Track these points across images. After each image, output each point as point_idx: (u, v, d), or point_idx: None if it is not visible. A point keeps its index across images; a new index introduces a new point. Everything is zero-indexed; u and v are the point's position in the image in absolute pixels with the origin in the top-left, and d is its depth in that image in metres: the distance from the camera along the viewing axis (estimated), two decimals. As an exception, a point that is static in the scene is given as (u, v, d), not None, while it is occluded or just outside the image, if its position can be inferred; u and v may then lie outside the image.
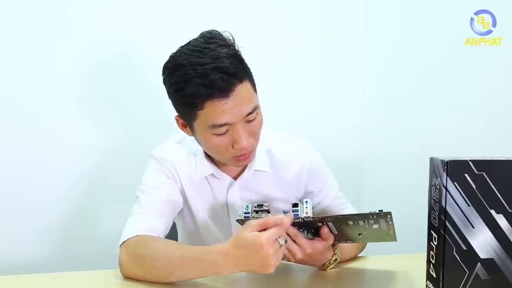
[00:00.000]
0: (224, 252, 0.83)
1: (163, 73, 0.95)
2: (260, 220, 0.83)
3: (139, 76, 1.54)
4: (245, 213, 0.90)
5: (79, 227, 1.50)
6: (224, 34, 0.94)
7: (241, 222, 0.91)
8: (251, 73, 0.97)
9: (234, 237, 0.83)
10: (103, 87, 1.52)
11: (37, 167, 1.48)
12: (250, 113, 0.93)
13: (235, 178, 1.09)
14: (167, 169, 1.07)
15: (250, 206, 0.91)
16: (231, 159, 0.98)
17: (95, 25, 1.49)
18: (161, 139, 1.15)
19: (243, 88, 0.91)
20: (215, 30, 0.94)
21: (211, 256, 0.84)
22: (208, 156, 1.07)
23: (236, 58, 0.91)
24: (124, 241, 0.96)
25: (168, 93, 0.96)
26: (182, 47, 0.94)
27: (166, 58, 0.94)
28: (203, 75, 0.87)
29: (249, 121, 0.94)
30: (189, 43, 0.94)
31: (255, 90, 0.97)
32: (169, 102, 1.50)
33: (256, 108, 0.95)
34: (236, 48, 0.94)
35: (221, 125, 0.91)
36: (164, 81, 0.95)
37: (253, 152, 1.02)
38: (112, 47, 1.51)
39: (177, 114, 0.99)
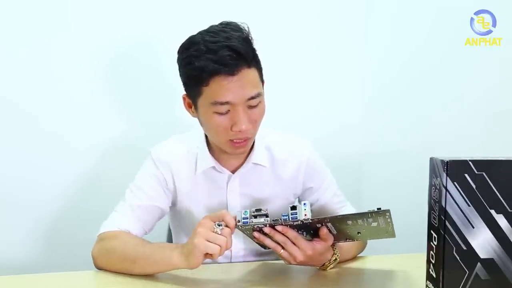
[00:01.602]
0: (176, 245, 0.92)
1: (178, 51, 0.99)
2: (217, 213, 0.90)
3: (139, 76, 1.54)
4: (243, 218, 0.90)
5: (79, 227, 1.49)
6: (241, 25, 0.98)
7: (240, 228, 0.91)
8: (260, 63, 1.00)
9: None
10: (104, 87, 1.52)
11: (37, 167, 1.48)
12: (253, 98, 0.96)
13: (234, 172, 1.10)
14: (160, 173, 1.09)
15: (248, 211, 0.91)
16: (228, 143, 1.00)
17: (94, 26, 1.49)
18: (161, 139, 1.15)
19: (250, 72, 0.95)
20: (234, 21, 0.99)
21: (167, 250, 0.92)
22: (210, 149, 1.08)
23: (248, 43, 0.96)
24: (100, 234, 1.04)
25: (179, 69, 1.00)
26: (201, 30, 0.98)
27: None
28: (213, 51, 0.92)
29: (250, 107, 0.97)
30: (208, 27, 0.98)
31: (262, 80, 1.01)
32: (169, 102, 1.52)
33: (259, 95, 0.98)
34: (250, 37, 0.97)
35: (222, 103, 0.94)
36: (178, 59, 1.00)
37: (250, 141, 1.02)
38: (112, 47, 1.51)
39: (185, 92, 1.03)
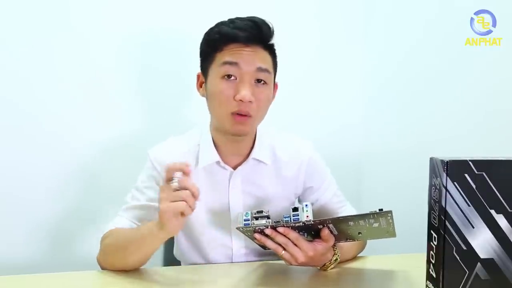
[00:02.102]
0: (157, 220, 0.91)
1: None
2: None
3: (140, 76, 1.54)
4: (245, 220, 0.90)
5: (79, 228, 1.50)
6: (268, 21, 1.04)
7: (241, 229, 0.91)
8: (276, 58, 1.06)
9: None
10: (103, 87, 1.52)
11: (37, 167, 1.48)
12: (261, 70, 1.00)
13: (235, 168, 1.10)
14: (157, 173, 1.08)
15: (249, 213, 0.92)
16: (229, 117, 1.00)
17: (94, 26, 1.49)
18: (161, 139, 1.15)
19: (263, 52, 1.01)
20: None
21: (149, 225, 0.92)
22: (214, 145, 1.09)
23: (269, 29, 1.01)
24: (101, 238, 1.06)
25: (200, 49, 1.06)
26: None
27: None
28: (234, 23, 1.00)
29: (257, 83, 1.00)
30: None
31: (275, 72, 1.06)
32: (170, 102, 1.52)
33: (268, 71, 1.01)
34: (273, 30, 1.02)
35: (231, 63, 0.98)
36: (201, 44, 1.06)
37: (251, 121, 1.02)
38: (112, 47, 1.51)
39: (199, 71, 1.08)
